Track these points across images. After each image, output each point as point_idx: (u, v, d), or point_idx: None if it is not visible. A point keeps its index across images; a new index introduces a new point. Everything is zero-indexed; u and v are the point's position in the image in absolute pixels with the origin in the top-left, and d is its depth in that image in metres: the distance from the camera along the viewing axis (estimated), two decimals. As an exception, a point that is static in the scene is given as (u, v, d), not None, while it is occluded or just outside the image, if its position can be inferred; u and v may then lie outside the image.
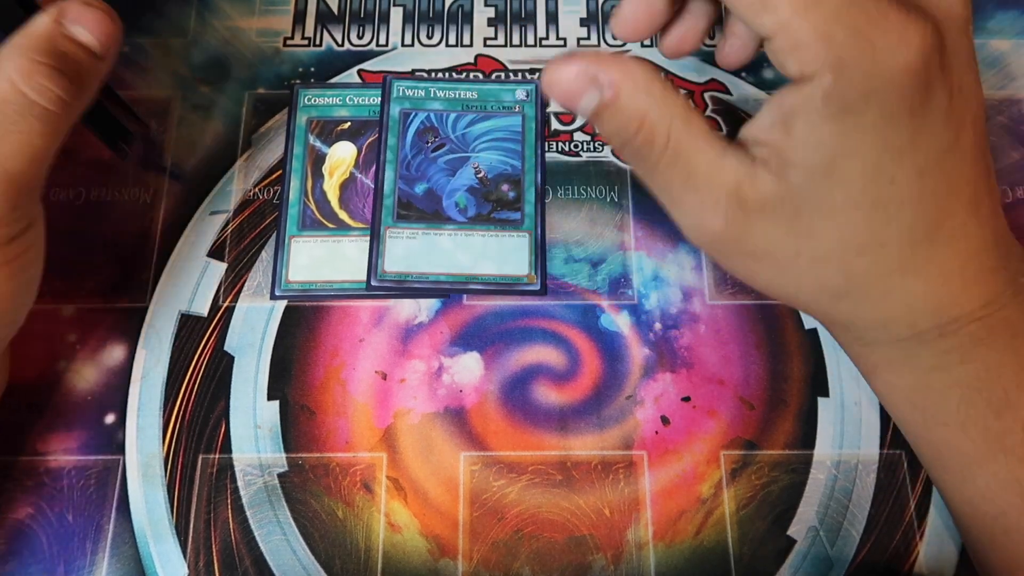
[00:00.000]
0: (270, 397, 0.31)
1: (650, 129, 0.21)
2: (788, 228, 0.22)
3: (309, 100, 0.35)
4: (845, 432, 0.30)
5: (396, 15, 0.37)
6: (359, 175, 0.33)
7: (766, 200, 0.22)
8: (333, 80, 0.36)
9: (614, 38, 0.29)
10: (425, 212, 0.33)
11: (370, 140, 0.34)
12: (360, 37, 0.37)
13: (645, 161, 0.22)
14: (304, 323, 0.32)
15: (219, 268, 0.33)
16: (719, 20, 0.27)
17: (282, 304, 0.32)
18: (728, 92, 0.36)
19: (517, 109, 0.35)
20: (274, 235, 0.33)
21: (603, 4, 0.38)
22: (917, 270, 0.23)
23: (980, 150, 0.22)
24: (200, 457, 0.30)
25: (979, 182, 0.23)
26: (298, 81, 0.36)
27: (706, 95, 0.36)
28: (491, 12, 0.37)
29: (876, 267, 0.23)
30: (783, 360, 0.31)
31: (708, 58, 0.36)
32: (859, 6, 0.20)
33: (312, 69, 0.36)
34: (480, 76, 0.36)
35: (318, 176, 0.34)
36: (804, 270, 0.23)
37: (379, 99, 0.35)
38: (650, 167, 0.23)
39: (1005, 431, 0.24)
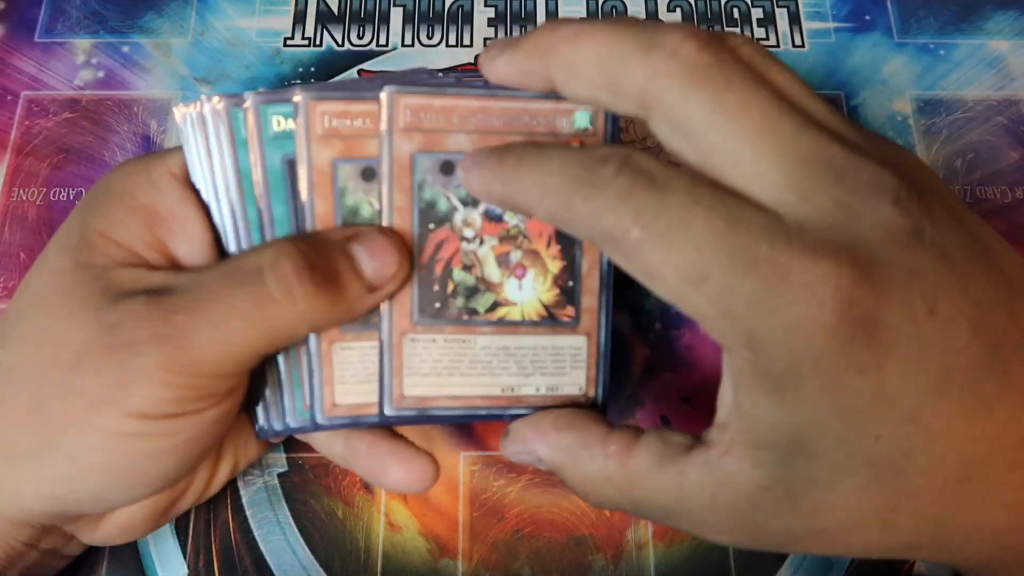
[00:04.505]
0: (270, 397, 0.31)
1: (596, 492, 0.21)
2: (793, 512, 0.19)
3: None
4: (845, 432, 0.30)
5: (396, 15, 0.37)
6: None
7: (750, 495, 0.19)
8: (335, 80, 0.36)
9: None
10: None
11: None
12: (360, 37, 0.37)
13: (626, 512, 0.22)
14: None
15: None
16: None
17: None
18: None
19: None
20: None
21: (603, 4, 0.38)
22: (982, 504, 0.18)
23: (1003, 351, 0.18)
24: (200, 457, 0.30)
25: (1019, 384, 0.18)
26: (298, 82, 0.36)
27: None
28: (491, 12, 0.37)
29: (918, 518, 0.18)
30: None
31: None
32: (754, 267, 0.17)
33: (312, 69, 0.36)
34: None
35: None
36: (847, 539, 0.19)
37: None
38: (632, 513, 0.22)
39: None
